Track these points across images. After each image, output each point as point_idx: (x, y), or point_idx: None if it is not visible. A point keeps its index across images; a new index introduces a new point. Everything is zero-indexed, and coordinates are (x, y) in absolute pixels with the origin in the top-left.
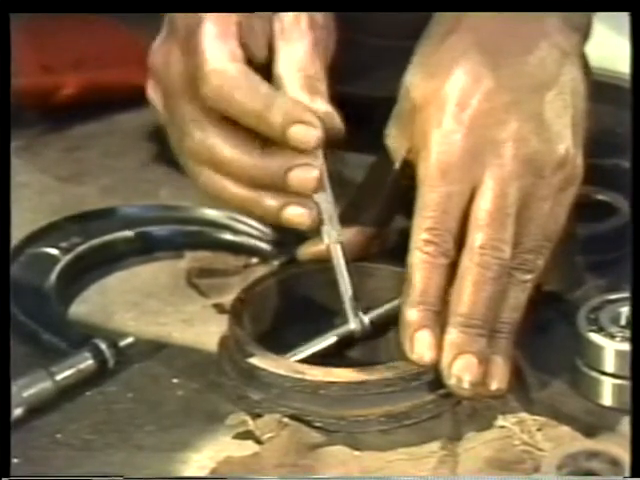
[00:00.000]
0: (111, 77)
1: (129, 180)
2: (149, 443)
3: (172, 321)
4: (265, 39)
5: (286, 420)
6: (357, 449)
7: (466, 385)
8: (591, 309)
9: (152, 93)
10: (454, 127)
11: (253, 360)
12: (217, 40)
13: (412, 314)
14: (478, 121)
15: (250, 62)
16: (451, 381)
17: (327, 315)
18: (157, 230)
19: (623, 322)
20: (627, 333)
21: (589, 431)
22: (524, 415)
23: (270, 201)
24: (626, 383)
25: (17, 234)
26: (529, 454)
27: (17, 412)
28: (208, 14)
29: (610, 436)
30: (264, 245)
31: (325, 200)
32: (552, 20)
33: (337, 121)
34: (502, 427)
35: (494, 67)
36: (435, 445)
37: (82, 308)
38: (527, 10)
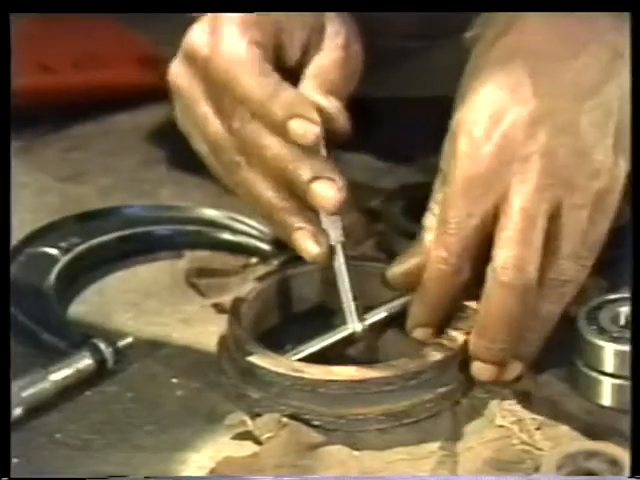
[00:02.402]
0: (111, 77)
1: (129, 180)
2: (148, 443)
3: (171, 321)
4: (300, 46)
5: (285, 420)
6: (356, 449)
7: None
8: (591, 309)
9: (182, 76)
10: (482, 142)
11: (252, 359)
12: (239, 23)
13: (417, 333)
14: (508, 136)
15: (281, 64)
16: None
17: (327, 315)
18: (156, 230)
19: (623, 322)
20: (627, 333)
21: (588, 431)
22: (523, 415)
23: (291, 217)
24: (625, 383)
25: (17, 234)
26: (528, 454)
27: (17, 412)
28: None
29: (609, 436)
30: (264, 245)
31: None
32: (606, 19)
33: (344, 119)
34: (501, 427)
35: (534, 73)
36: (434, 445)
37: (81, 308)
38: (528, 10)
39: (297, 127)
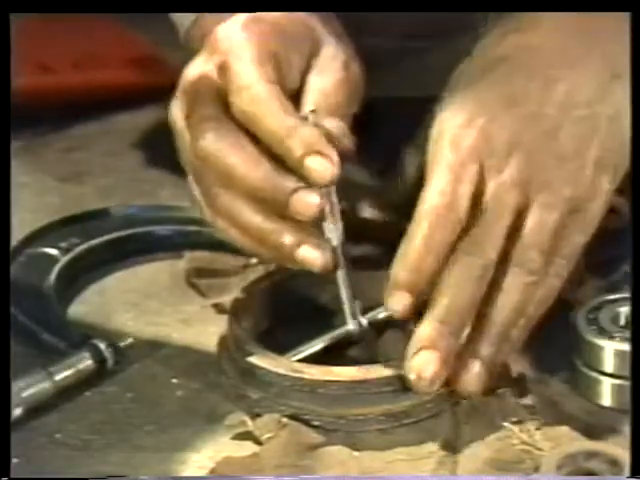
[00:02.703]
0: (111, 77)
1: (129, 180)
2: (148, 443)
3: (171, 321)
4: (299, 72)
5: (285, 420)
6: (356, 449)
7: (425, 382)
8: (591, 309)
9: (176, 110)
10: (466, 131)
11: (252, 359)
12: (252, 61)
13: (394, 299)
14: (487, 132)
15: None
16: (411, 375)
17: (326, 315)
18: (156, 230)
19: (622, 322)
20: (626, 333)
21: (588, 431)
22: (523, 415)
23: (286, 237)
24: (625, 383)
25: (17, 234)
26: (528, 454)
27: (17, 412)
28: (247, 41)
29: (609, 436)
30: None
31: (328, 200)
32: (608, 33)
33: (348, 141)
34: (501, 427)
35: (528, 77)
36: (434, 445)
37: (81, 308)
38: (528, 10)
39: (315, 165)
